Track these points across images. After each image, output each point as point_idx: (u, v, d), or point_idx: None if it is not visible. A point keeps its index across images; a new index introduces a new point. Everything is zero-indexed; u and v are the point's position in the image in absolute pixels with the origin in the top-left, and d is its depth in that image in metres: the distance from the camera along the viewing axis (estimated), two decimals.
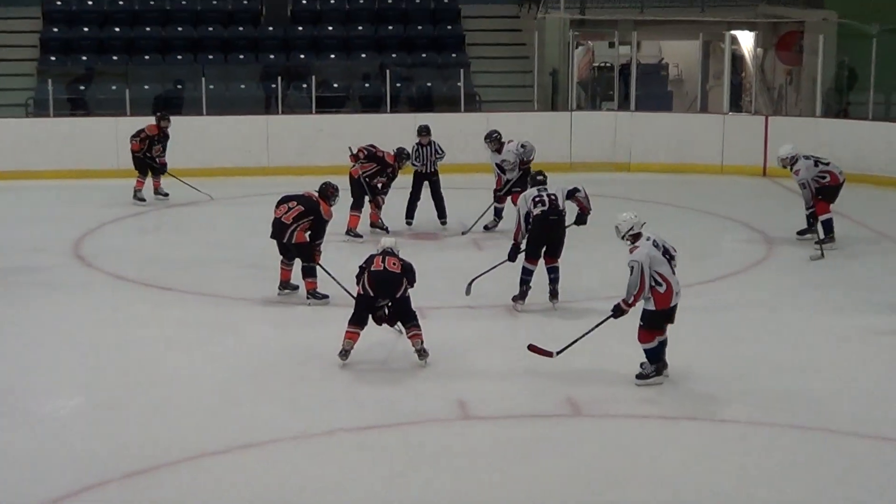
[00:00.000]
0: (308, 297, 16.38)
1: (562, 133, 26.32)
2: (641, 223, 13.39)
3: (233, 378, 13.80)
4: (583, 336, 13.38)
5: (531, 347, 13.45)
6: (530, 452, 11.87)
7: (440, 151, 20.83)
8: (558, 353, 13.36)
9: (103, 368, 14.25)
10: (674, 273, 13.13)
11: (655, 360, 13.27)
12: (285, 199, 16.46)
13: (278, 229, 16.33)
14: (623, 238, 13.41)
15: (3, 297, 17.02)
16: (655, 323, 13.20)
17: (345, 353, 14.02)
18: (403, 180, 20.54)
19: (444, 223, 20.76)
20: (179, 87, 28.29)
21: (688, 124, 27.40)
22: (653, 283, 12.99)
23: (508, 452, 11.87)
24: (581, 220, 16.61)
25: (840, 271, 18.26)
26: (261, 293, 16.90)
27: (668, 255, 13.16)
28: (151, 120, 23.18)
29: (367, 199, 19.81)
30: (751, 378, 13.79)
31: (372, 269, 13.95)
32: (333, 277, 16.09)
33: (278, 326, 15.84)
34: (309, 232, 16.21)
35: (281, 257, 16.60)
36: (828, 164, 19.36)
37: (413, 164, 20.64)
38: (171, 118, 23.11)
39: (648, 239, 13.17)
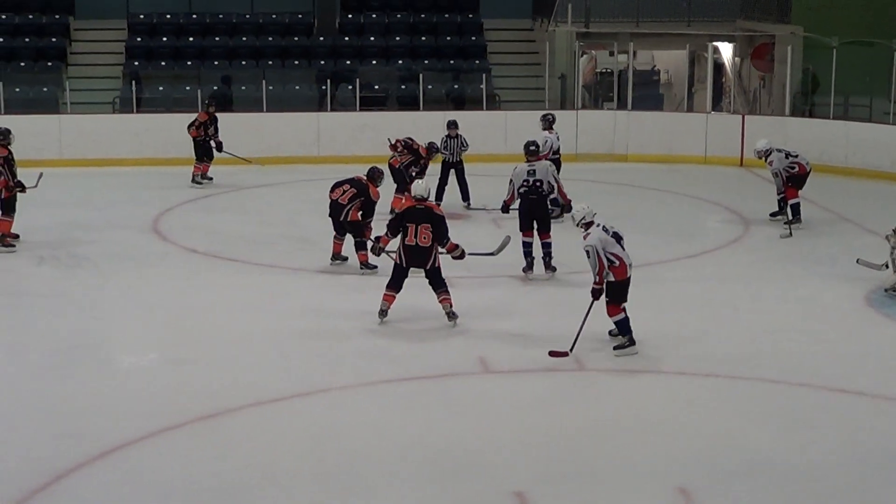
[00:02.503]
0: (361, 268, 16.33)
1: (569, 129, 26.07)
2: (593, 213, 13.21)
3: (287, 336, 13.73)
4: (582, 326, 13.02)
5: (551, 353, 12.97)
6: (541, 401, 11.84)
7: (465, 144, 20.78)
8: (571, 349, 12.98)
9: (176, 327, 14.20)
10: (624, 250, 12.97)
11: (627, 332, 13.05)
12: (339, 184, 16.43)
13: (335, 209, 16.28)
14: (578, 226, 13.24)
15: (92, 266, 16.98)
16: (619, 294, 13.00)
17: (382, 313, 14.05)
18: (433, 168, 20.41)
19: (467, 206, 20.67)
20: (243, 87, 28.18)
21: (676, 121, 27.30)
22: (609, 262, 12.84)
23: (522, 402, 11.84)
24: (566, 209, 16.45)
25: (806, 248, 18.12)
26: (311, 264, 16.84)
27: (618, 238, 13.00)
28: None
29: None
30: (729, 339, 13.74)
31: (406, 242, 13.90)
32: (382, 248, 16.06)
33: (327, 292, 15.76)
34: (361, 211, 16.16)
35: (335, 233, 16.54)
36: (797, 156, 19.27)
37: (442, 153, 20.58)
38: (232, 114, 23.19)
39: (598, 225, 13.01)
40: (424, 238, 13.89)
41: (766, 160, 19.32)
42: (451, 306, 14.00)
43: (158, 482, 9.90)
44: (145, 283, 16.20)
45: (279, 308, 14.95)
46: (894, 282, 15.23)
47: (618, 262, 12.89)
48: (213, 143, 23.16)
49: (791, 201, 19.07)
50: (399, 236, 14.05)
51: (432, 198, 15.33)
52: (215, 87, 27.91)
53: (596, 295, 13.00)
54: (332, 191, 16.43)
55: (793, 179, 19.10)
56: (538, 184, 16.23)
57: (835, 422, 11.33)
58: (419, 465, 10.27)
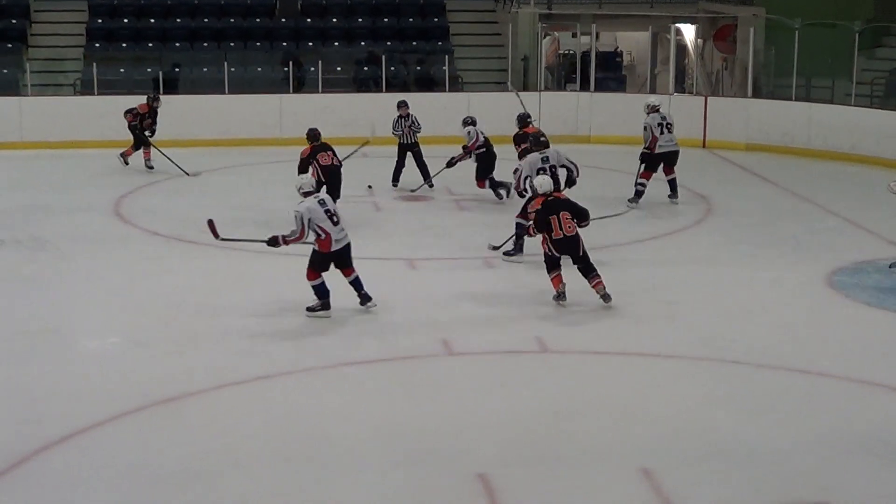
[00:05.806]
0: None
1: (532, 110, 25.76)
2: (312, 184, 14.11)
3: (250, 319, 13.69)
4: (246, 241, 14.72)
5: (210, 224, 14.40)
6: (503, 383, 11.86)
7: (416, 124, 20.53)
8: (223, 239, 14.45)
9: (139, 311, 14.14)
10: (335, 225, 13.53)
11: (322, 296, 13.66)
12: (323, 149, 17.50)
13: (337, 175, 17.34)
14: (299, 192, 13.90)
15: (53, 249, 16.88)
16: (318, 263, 13.66)
17: (561, 296, 14.06)
18: (390, 150, 20.51)
19: (430, 185, 20.41)
20: (205, 69, 28.02)
21: (639, 103, 26.96)
22: (317, 234, 13.49)
23: (485, 383, 11.85)
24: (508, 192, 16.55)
25: (768, 230, 18.17)
26: None
27: (331, 214, 13.56)
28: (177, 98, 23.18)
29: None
30: (692, 321, 13.78)
31: (553, 237, 13.91)
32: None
33: (290, 275, 15.61)
34: None
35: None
36: (672, 132, 19.44)
37: (394, 134, 20.42)
38: (196, 96, 23.00)
39: (316, 198, 13.74)
40: (570, 227, 13.92)
41: (647, 114, 19.52)
42: (604, 288, 13.96)
43: (121, 466, 9.86)
44: (107, 266, 16.12)
45: (242, 291, 14.90)
46: None
47: (324, 236, 13.54)
48: (146, 133, 22.77)
49: (668, 177, 19.47)
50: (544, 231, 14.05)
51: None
52: (154, 69, 27.68)
53: (273, 243, 13.84)
54: (317, 161, 17.32)
55: (663, 158, 19.34)
56: (553, 170, 15.97)
57: (798, 403, 11.38)
58: (382, 448, 10.26)
